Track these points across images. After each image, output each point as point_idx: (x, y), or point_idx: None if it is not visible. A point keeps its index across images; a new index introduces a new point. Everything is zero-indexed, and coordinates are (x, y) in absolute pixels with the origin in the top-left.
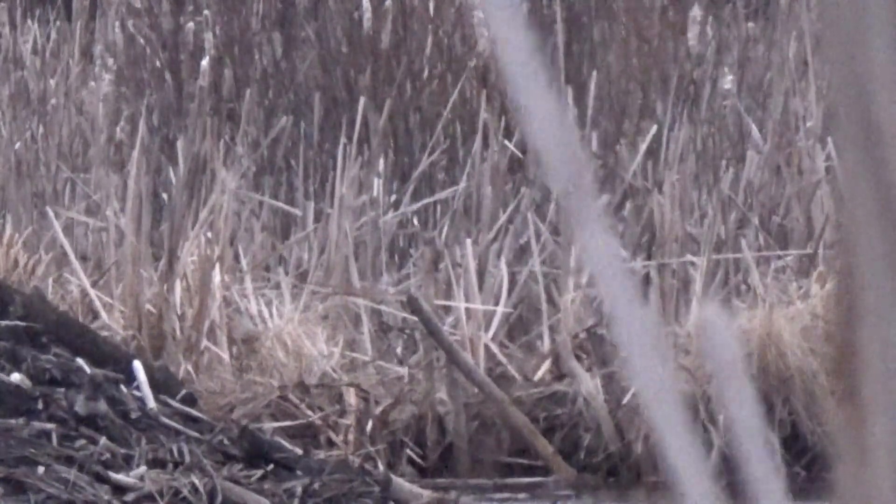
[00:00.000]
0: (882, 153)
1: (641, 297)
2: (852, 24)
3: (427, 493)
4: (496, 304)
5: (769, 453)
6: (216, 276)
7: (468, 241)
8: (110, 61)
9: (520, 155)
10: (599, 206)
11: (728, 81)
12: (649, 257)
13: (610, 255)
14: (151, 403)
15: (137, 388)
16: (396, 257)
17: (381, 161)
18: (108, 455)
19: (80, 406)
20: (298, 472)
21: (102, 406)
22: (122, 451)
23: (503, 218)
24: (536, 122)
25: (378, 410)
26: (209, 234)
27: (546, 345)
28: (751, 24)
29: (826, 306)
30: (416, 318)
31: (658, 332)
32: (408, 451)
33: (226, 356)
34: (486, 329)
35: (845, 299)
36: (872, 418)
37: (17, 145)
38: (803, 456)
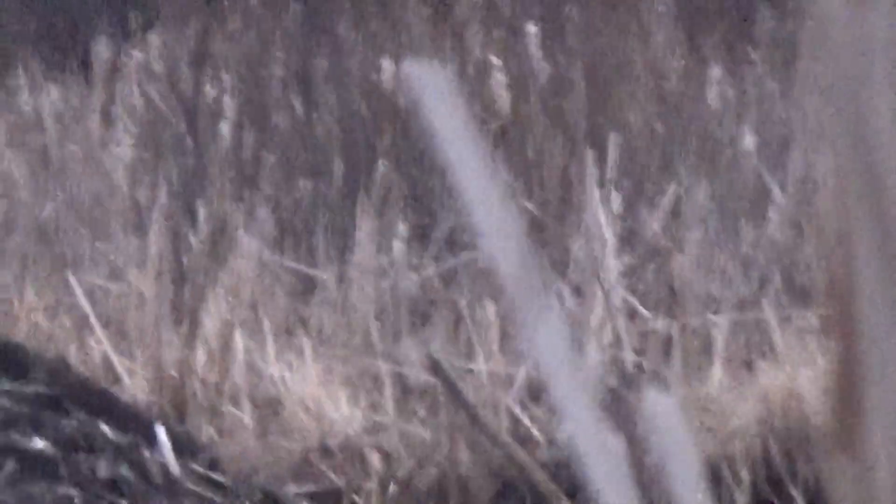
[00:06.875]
0: (887, 203)
1: (593, 389)
2: (855, 67)
3: None
4: (518, 364)
5: None
6: (238, 340)
7: (489, 302)
8: (130, 125)
9: (539, 216)
10: (549, 297)
11: (748, 141)
12: (670, 317)
13: (561, 348)
14: (174, 467)
15: (160, 452)
16: (418, 319)
17: (402, 223)
18: None
19: (103, 470)
20: None
21: (125, 470)
22: None
23: None
24: (481, 215)
25: (401, 473)
26: (230, 298)
27: None
28: (771, 83)
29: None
30: (437, 380)
31: (609, 438)
32: None
33: (248, 419)
34: (509, 390)
35: (845, 338)
36: (877, 462)
37: (39, 211)
38: None
